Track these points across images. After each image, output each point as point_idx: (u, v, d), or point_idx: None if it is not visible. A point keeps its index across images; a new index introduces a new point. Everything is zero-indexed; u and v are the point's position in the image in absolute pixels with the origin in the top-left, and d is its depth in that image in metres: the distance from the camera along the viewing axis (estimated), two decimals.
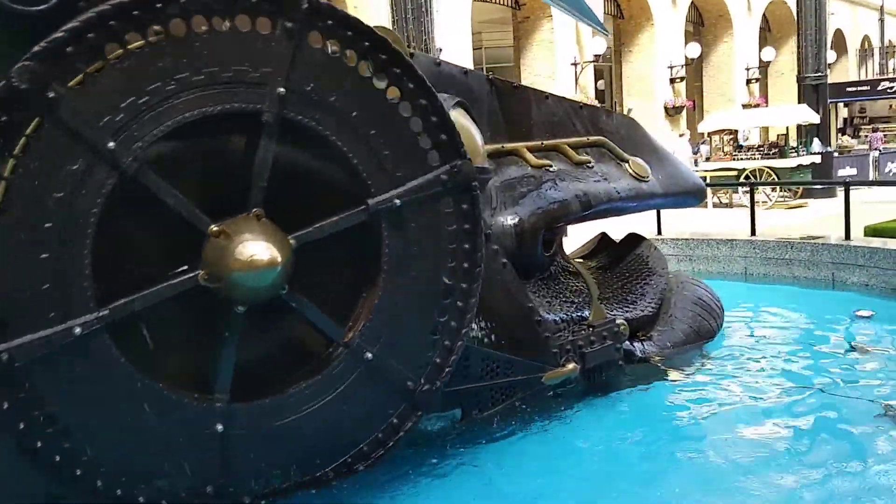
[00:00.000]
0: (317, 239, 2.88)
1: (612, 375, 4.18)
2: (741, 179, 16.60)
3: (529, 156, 4.48)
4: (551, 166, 4.51)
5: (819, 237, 7.07)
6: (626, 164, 4.82)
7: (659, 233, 7.79)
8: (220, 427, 2.70)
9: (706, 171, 17.09)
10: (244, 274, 2.67)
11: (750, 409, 4.01)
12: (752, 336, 5.41)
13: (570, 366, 3.95)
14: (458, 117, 3.97)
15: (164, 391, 2.63)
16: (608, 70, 25.04)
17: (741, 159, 17.79)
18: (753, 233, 7.33)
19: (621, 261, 4.99)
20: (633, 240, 5.19)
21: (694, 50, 24.69)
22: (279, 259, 2.70)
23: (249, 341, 2.83)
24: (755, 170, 16.86)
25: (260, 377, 2.89)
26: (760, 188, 16.22)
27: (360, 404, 2.96)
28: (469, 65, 20.24)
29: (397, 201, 2.94)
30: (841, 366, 4.65)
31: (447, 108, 3.88)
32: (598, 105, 4.97)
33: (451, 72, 4.13)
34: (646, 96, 23.74)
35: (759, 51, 27.60)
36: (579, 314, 4.19)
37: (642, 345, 4.48)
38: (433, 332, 3.09)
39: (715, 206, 16.60)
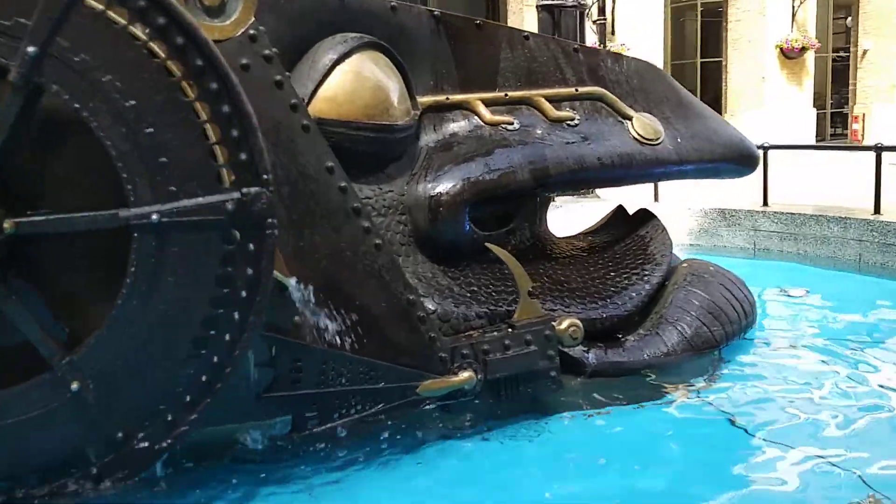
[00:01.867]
0: (55, 235, 2.40)
1: (542, 391, 3.35)
2: None
3: (483, 110, 3.64)
4: (511, 123, 3.67)
5: None
6: (629, 123, 3.83)
7: (765, 202, 6.41)
8: None
9: None
10: None
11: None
12: (814, 348, 4.19)
13: (463, 375, 3.14)
14: (360, 64, 3.27)
15: None
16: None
17: None
18: (877, 210, 5.77)
19: (616, 243, 4.02)
20: (641, 217, 4.18)
21: None
22: None
23: None
24: None
25: None
26: None
27: (55, 440, 2.42)
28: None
29: (155, 217, 2.31)
30: None
31: (341, 51, 3.24)
32: (611, 51, 3.89)
33: (365, 7, 3.39)
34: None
35: None
36: (509, 309, 3.38)
37: (604, 353, 3.56)
38: (175, 382, 2.47)
39: None
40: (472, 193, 3.37)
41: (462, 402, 3.20)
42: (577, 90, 3.79)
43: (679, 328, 3.66)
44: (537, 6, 11.92)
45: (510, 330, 3.26)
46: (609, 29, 18.24)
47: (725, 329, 3.76)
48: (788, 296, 5.16)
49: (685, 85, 4.28)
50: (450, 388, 3.11)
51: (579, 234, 4.34)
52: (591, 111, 3.80)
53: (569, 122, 3.72)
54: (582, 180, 3.71)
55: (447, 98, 3.61)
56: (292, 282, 2.84)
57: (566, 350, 3.44)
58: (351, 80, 3.22)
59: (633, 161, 3.71)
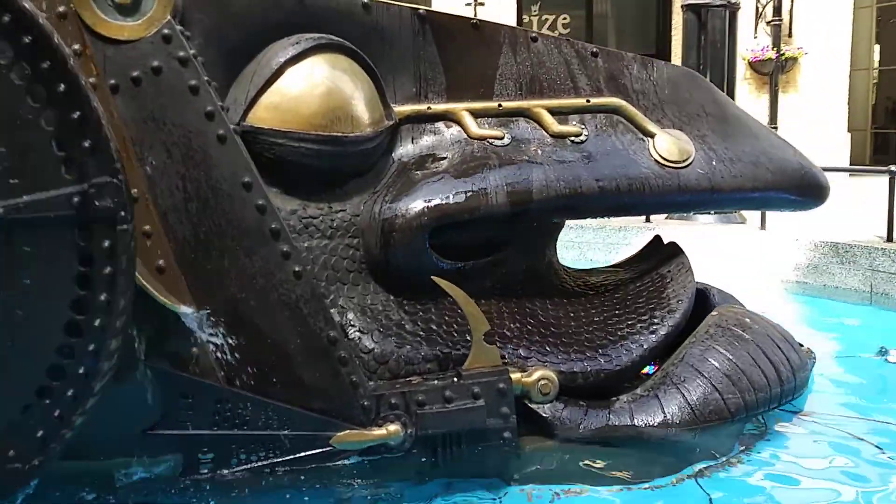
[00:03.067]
0: None
1: (494, 456, 2.86)
2: None
3: (469, 121, 3.18)
4: (501, 137, 3.18)
5: None
6: (650, 142, 3.23)
7: (889, 237, 5.34)
8: None
9: None
10: None
11: None
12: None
13: (390, 428, 2.73)
14: (312, 68, 2.93)
15: None
16: None
17: None
18: None
19: (631, 282, 3.40)
20: (669, 253, 3.53)
21: None
22: None
23: None
24: None
25: None
26: None
27: None
28: None
29: None
30: None
31: (292, 53, 2.91)
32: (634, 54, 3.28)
33: (331, 5, 3.03)
34: None
35: None
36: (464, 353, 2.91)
37: (583, 414, 2.98)
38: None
39: None
40: (432, 218, 2.93)
41: (399, 463, 2.78)
42: (588, 101, 3.25)
43: (683, 391, 3.02)
44: (682, 6, 11.09)
45: (455, 380, 2.80)
46: (786, 31, 16.79)
47: (745, 397, 3.06)
48: (887, 360, 4.24)
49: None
50: (370, 443, 2.70)
51: (602, 267, 3.76)
52: (605, 126, 3.24)
53: (574, 138, 3.18)
54: (577, 208, 3.15)
55: (429, 108, 3.19)
56: (186, 309, 2.56)
57: (537, 407, 2.94)
58: (298, 86, 2.88)
59: (647, 187, 3.11)
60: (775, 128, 9.84)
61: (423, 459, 2.78)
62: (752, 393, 3.08)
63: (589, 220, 6.79)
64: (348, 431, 2.68)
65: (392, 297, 3.01)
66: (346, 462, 2.73)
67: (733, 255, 5.58)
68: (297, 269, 2.67)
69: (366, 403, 2.70)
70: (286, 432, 2.65)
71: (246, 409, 2.62)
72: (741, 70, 14.66)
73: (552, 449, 2.94)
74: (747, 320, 3.30)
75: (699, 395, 3.01)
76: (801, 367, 3.36)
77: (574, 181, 3.04)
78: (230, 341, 2.62)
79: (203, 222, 2.61)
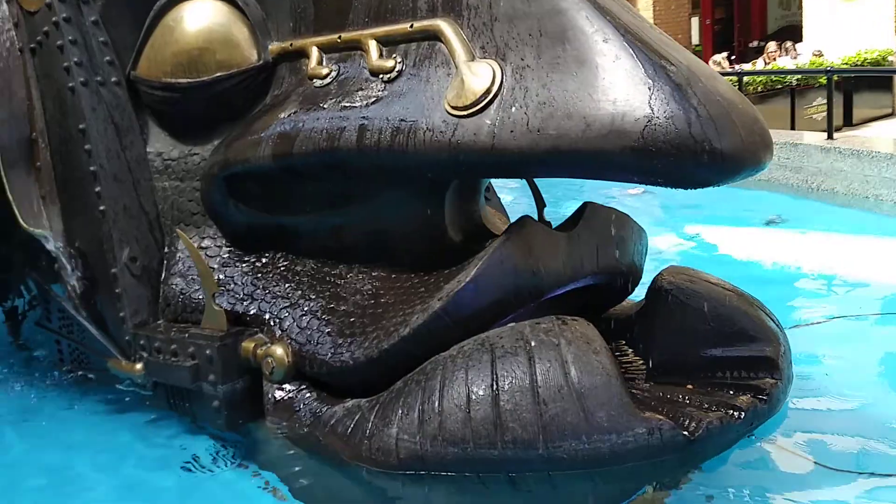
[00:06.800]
0: None
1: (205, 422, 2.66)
2: None
3: (312, 59, 2.81)
4: (323, 77, 2.72)
5: None
6: (460, 75, 2.33)
7: None
8: None
9: None
10: None
11: None
12: None
13: (136, 366, 2.79)
14: (177, 15, 3.05)
15: None
16: None
17: None
18: None
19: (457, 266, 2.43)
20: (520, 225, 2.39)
21: None
22: None
23: None
24: None
25: None
26: None
27: None
28: None
29: None
30: None
31: (162, 2, 3.07)
32: None
33: None
34: None
35: None
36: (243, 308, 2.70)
37: (312, 406, 2.41)
38: None
39: None
40: (221, 167, 2.80)
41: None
42: (411, 25, 2.50)
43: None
44: None
45: (185, 335, 2.74)
46: None
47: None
48: None
49: None
50: (124, 375, 2.91)
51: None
52: (424, 58, 2.45)
53: (385, 75, 2.53)
54: (341, 166, 2.51)
55: (290, 44, 2.93)
56: (48, 234, 3.14)
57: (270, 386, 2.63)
58: (159, 36, 3.05)
59: (412, 143, 2.31)
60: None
61: (163, 402, 2.86)
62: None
63: None
64: (115, 359, 2.94)
65: (224, 244, 3.01)
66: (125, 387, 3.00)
67: None
68: (102, 208, 2.98)
69: (128, 338, 2.90)
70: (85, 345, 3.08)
71: (67, 318, 3.15)
72: None
73: (267, 435, 2.60)
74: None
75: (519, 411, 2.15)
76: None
77: (337, 133, 2.47)
78: (71, 263, 3.13)
79: (64, 162, 3.13)
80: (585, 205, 2.60)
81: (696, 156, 1.89)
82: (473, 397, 2.11)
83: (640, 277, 2.77)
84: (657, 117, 1.91)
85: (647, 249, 2.79)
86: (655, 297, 2.55)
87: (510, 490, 2.11)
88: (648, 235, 2.85)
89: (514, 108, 2.13)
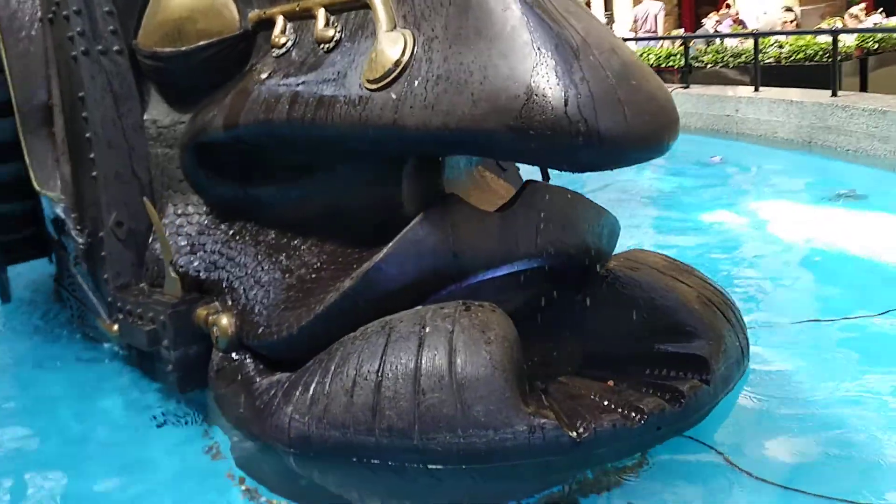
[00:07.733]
0: None
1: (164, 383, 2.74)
2: None
3: (277, 27, 2.77)
4: (281, 46, 2.68)
5: None
6: (377, 45, 2.23)
7: None
8: None
9: None
10: None
11: None
12: None
13: (113, 327, 2.91)
14: None
15: None
16: None
17: None
18: None
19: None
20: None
21: None
22: None
23: None
24: None
25: None
26: None
27: None
28: None
29: None
30: None
31: None
32: None
33: None
34: None
35: None
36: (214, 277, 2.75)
37: (244, 375, 2.41)
38: None
39: None
40: (190, 136, 2.86)
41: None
42: None
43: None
44: None
45: (150, 300, 2.82)
46: None
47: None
48: None
49: None
50: (105, 334, 3.05)
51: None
52: (358, 27, 2.38)
53: (325, 45, 2.47)
54: (275, 139, 2.48)
55: (265, 12, 2.91)
56: (57, 195, 3.32)
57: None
58: (153, 5, 3.13)
59: (331, 117, 2.24)
60: None
61: (135, 361, 2.98)
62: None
63: None
64: (101, 319, 3.09)
65: (205, 212, 3.06)
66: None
67: None
68: (94, 173, 3.11)
69: (110, 300, 3.04)
70: (87, 307, 3.26)
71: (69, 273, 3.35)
72: None
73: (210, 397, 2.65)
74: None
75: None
76: None
77: (273, 104, 2.45)
78: (76, 225, 3.28)
79: (70, 128, 3.29)
80: (526, 183, 2.43)
81: (570, 137, 1.72)
82: (358, 381, 2.05)
83: (603, 259, 2.56)
84: (536, 94, 1.75)
85: (613, 231, 2.57)
86: (593, 283, 2.37)
87: (396, 479, 2.04)
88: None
89: (416, 83, 2.02)
